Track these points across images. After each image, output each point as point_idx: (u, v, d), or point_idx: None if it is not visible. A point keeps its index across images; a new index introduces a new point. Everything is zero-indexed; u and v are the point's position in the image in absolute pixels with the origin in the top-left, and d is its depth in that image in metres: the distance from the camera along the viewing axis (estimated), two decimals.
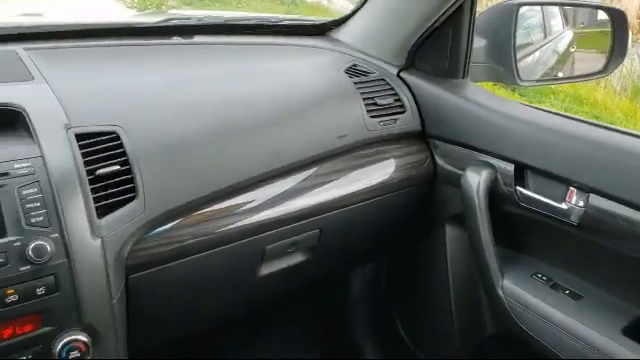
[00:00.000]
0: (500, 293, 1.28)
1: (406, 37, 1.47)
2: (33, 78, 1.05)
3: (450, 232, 1.47)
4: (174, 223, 1.06)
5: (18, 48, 1.19)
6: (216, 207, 1.12)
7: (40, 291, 0.85)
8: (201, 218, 1.10)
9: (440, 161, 1.45)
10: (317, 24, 1.64)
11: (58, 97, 1.00)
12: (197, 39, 1.43)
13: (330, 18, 1.65)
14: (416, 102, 1.45)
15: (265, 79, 1.31)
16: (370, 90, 1.40)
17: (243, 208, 1.16)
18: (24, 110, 0.95)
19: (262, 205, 1.18)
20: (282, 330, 1.78)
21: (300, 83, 1.34)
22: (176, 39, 1.40)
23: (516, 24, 1.40)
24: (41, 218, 0.86)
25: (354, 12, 1.58)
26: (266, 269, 1.24)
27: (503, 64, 1.43)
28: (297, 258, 1.29)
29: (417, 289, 1.63)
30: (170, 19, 1.47)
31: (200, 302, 1.20)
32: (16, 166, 0.87)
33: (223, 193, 1.11)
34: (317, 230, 1.27)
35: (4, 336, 0.84)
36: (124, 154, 0.99)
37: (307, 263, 1.31)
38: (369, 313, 1.77)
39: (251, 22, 1.55)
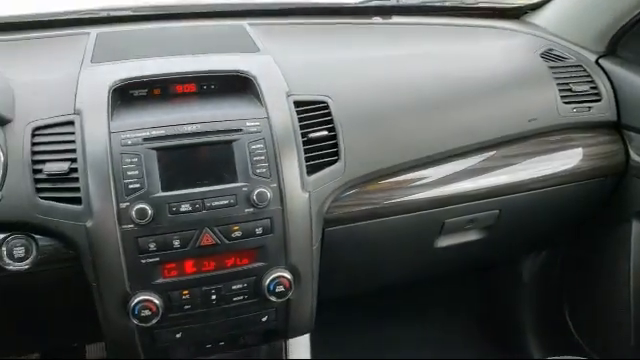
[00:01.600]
0: None
1: (610, 23, 1.41)
2: (259, 50, 1.22)
3: (637, 228, 1.41)
4: (368, 187, 1.17)
5: (244, 23, 1.37)
6: (405, 177, 1.20)
7: (258, 231, 1.01)
8: (391, 185, 1.19)
9: (635, 154, 1.38)
10: (512, 7, 1.63)
11: (280, 68, 1.15)
12: (395, 19, 1.51)
13: (526, 2, 1.63)
14: (614, 91, 1.40)
15: (459, 60, 1.36)
16: (565, 76, 1.38)
17: (428, 180, 1.23)
18: (254, 78, 1.10)
19: (446, 179, 1.24)
20: (442, 308, 1.84)
21: (494, 65, 1.36)
22: (376, 19, 1.50)
23: None
24: (264, 170, 1.01)
25: None
26: (443, 242, 1.31)
27: None
28: (474, 235, 1.34)
29: (592, 283, 1.59)
30: (370, 0, 1.57)
31: (379, 261, 1.31)
32: (248, 124, 1.03)
33: (413, 164, 1.19)
34: (497, 210, 1.30)
35: (227, 265, 1.01)
36: (331, 121, 1.11)
37: (483, 241, 1.35)
38: (537, 301, 1.75)
39: (446, 4, 1.60)
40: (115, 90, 1.04)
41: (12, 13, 1.37)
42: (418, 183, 1.22)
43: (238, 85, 1.13)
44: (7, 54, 1.21)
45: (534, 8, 1.61)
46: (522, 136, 1.31)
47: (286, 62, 1.18)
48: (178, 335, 1.03)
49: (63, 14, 1.38)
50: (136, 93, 1.09)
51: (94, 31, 1.28)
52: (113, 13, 1.40)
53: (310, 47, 1.32)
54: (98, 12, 1.40)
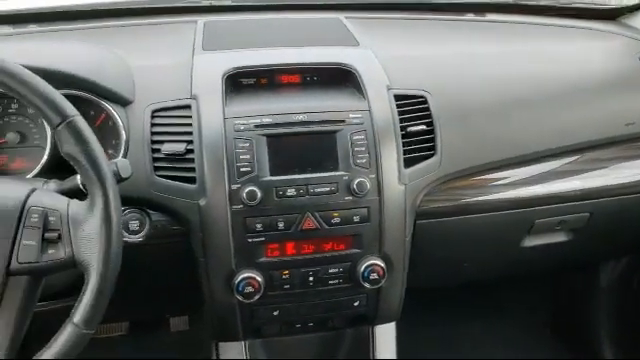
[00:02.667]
0: None
1: None
2: (358, 44, 1.25)
3: None
4: (460, 182, 1.18)
5: (340, 16, 1.40)
6: (497, 174, 1.22)
7: (356, 219, 1.05)
8: (483, 182, 1.21)
9: None
10: (609, 8, 1.60)
11: (380, 61, 1.18)
12: (489, 17, 1.51)
13: (623, 3, 1.60)
14: None
15: (555, 60, 1.35)
16: None
17: (519, 179, 1.24)
18: (356, 70, 1.14)
19: (537, 179, 1.25)
20: (518, 307, 1.83)
21: (591, 66, 1.35)
22: (469, 16, 1.51)
23: None
24: (364, 160, 1.05)
25: None
26: (530, 241, 1.32)
27: None
28: (562, 237, 1.34)
29: None
30: None
31: (466, 257, 1.33)
32: (351, 116, 1.06)
33: (506, 162, 1.20)
34: (587, 213, 1.29)
35: (325, 249, 1.06)
36: (429, 116, 1.14)
37: (570, 243, 1.34)
38: (615, 306, 1.73)
39: (541, 3, 1.58)
40: (227, 77, 1.10)
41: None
42: (509, 181, 1.23)
43: (339, 77, 1.16)
44: (122, 39, 1.29)
45: (632, 10, 1.57)
46: (617, 140, 1.30)
47: (385, 56, 1.20)
48: (275, 313, 1.09)
49: (170, 1, 1.46)
50: (244, 81, 1.15)
51: (201, 19, 1.34)
52: (215, 3, 1.47)
53: (407, 42, 1.35)
54: (201, 1, 1.47)
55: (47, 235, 0.78)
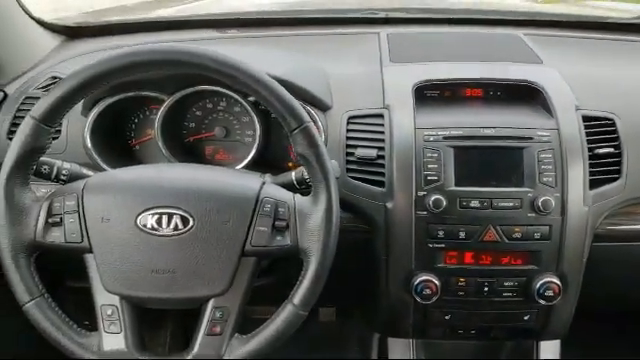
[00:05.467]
0: None
1: None
2: (542, 61, 1.26)
3: None
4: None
5: (518, 32, 1.42)
6: None
7: (537, 236, 1.07)
8: None
9: None
10: None
11: (567, 81, 1.18)
12: None
13: None
14: None
15: None
16: None
17: None
18: (543, 89, 1.15)
19: None
20: None
21: None
22: None
23: None
24: (550, 179, 1.06)
25: None
26: None
27: None
28: None
29: None
30: None
31: (633, 286, 1.29)
32: (539, 133, 1.08)
33: None
34: None
35: (502, 262, 1.09)
36: (617, 139, 1.12)
37: None
38: None
39: None
40: (415, 89, 1.16)
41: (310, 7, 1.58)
42: None
43: (523, 94, 1.19)
44: (313, 47, 1.39)
45: None
46: None
47: (569, 75, 1.21)
48: (447, 317, 1.14)
49: (350, 12, 1.55)
50: (428, 93, 1.20)
51: (382, 31, 1.42)
52: (391, 14, 1.54)
53: (588, 61, 1.33)
54: (378, 12, 1.55)
55: (277, 223, 0.88)
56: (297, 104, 0.87)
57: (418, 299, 1.09)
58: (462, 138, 1.08)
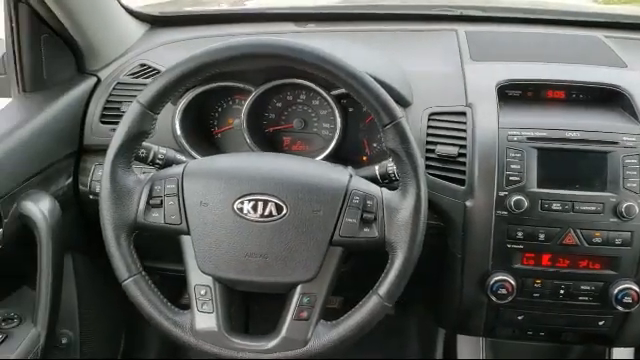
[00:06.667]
0: None
1: None
2: (626, 65, 1.24)
3: None
4: None
5: (598, 34, 1.40)
6: None
7: (617, 241, 1.06)
8: None
9: None
10: None
11: None
12: None
13: None
14: None
15: None
16: None
17: None
18: (629, 93, 1.14)
19: None
20: None
21: None
22: None
23: None
24: (635, 184, 1.05)
25: None
26: None
27: None
28: None
29: None
30: None
31: None
32: (624, 139, 1.07)
33: None
34: None
35: (580, 266, 1.08)
36: None
37: None
38: None
39: None
40: (498, 88, 1.16)
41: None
42: None
43: (605, 98, 1.17)
44: (389, 43, 1.41)
45: None
46: None
47: None
48: (520, 317, 1.14)
49: (425, 8, 1.55)
50: (510, 92, 1.20)
51: (460, 29, 1.42)
52: (466, 12, 1.53)
53: None
54: (453, 9, 1.54)
55: (365, 216, 0.91)
56: (390, 100, 0.89)
57: (493, 298, 1.09)
58: (546, 140, 1.08)
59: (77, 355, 1.35)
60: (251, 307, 1.78)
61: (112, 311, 1.51)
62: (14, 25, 1.11)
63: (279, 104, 1.30)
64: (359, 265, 1.10)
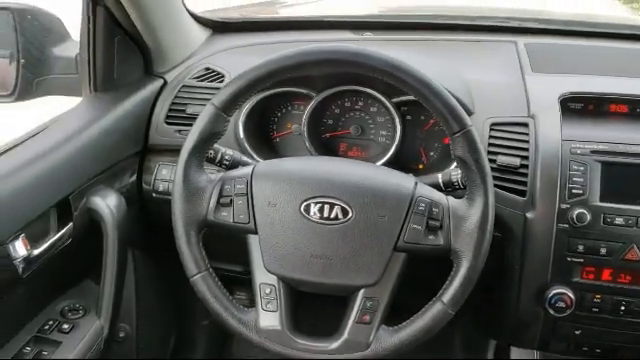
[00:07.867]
0: None
1: None
2: None
3: None
4: None
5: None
6: None
7: None
8: None
9: None
10: None
11: None
12: None
13: None
14: None
15: None
16: None
17: None
18: None
19: None
20: None
21: None
22: None
23: None
24: None
25: None
26: None
27: None
28: None
29: None
30: None
31: None
32: None
33: None
34: None
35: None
36: None
37: None
38: None
39: None
40: (561, 101, 1.16)
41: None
42: None
43: None
44: (449, 53, 1.41)
45: None
46: None
47: None
48: (577, 332, 1.13)
49: (484, 19, 1.55)
50: (572, 105, 1.19)
51: (520, 40, 1.42)
52: (524, 24, 1.53)
53: None
54: (511, 21, 1.54)
55: (430, 223, 0.92)
56: (460, 108, 0.90)
57: (551, 311, 1.08)
58: (610, 153, 1.07)
59: (133, 349, 1.38)
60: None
61: (165, 310, 1.55)
62: (91, 26, 1.16)
63: (337, 110, 1.31)
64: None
